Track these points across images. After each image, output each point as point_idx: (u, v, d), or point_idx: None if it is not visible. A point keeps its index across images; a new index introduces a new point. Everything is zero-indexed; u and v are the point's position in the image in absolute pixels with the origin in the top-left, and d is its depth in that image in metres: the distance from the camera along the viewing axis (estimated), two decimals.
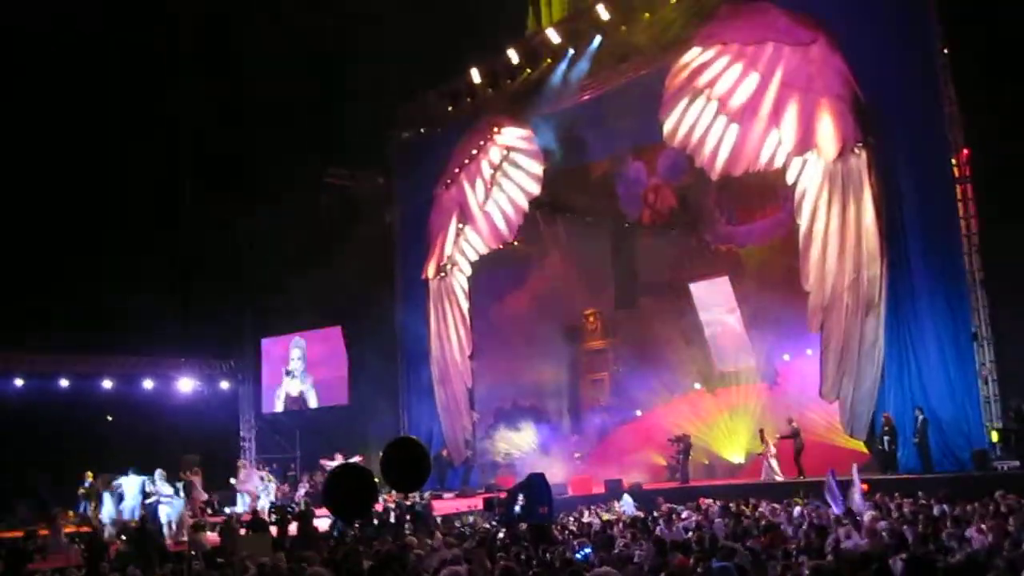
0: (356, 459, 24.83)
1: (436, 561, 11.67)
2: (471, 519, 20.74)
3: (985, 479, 17.58)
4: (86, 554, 17.68)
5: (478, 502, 23.25)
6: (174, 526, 21.77)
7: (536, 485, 18.69)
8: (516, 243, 29.01)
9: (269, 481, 26.70)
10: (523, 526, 16.58)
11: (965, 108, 20.07)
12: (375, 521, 19.87)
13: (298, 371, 33.88)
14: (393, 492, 21.15)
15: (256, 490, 26.52)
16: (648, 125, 25.09)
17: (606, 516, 18.84)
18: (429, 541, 15.40)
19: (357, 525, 18.00)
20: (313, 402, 33.46)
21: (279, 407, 34.36)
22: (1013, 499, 14.30)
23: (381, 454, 11.53)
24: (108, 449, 27.46)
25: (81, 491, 23.47)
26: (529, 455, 29.32)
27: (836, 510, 15.28)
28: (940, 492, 16.06)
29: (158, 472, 22.37)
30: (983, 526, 11.34)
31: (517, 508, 18.49)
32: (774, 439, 23.69)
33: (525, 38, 27.94)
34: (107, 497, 22.57)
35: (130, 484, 22.76)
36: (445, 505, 24.75)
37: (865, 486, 17.17)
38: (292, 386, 34.01)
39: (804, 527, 13.46)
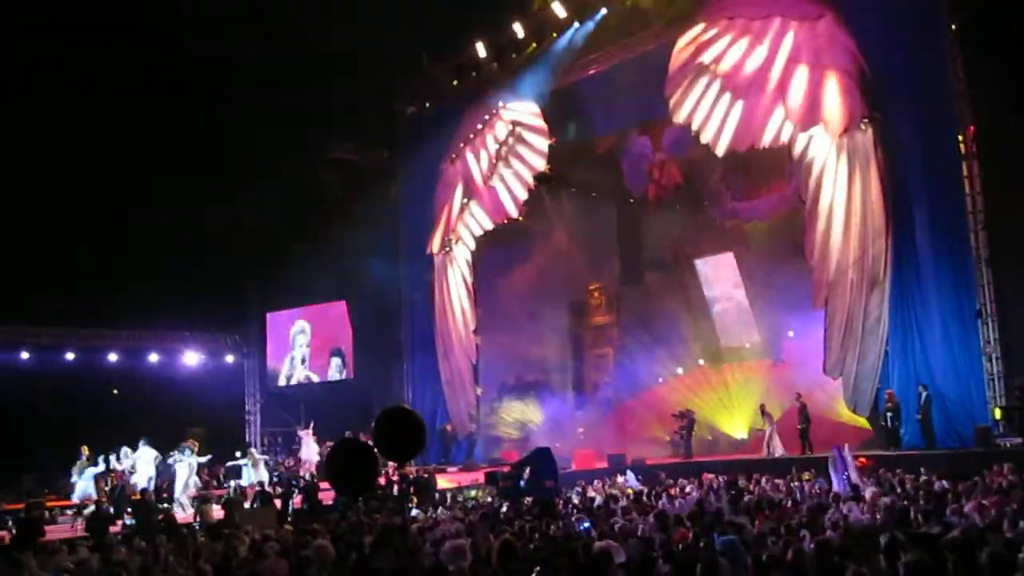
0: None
1: (439, 534, 11.73)
2: (473, 493, 20.82)
3: (988, 456, 17.60)
4: (91, 526, 17.82)
5: (481, 476, 23.35)
6: (191, 485, 22.23)
7: (542, 459, 18.78)
8: (521, 218, 28.92)
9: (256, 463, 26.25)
10: (527, 500, 16.66)
11: (972, 84, 20.02)
12: (378, 493, 19.94)
13: (305, 356, 34.10)
14: (391, 465, 21.20)
15: (313, 457, 26.52)
16: (654, 100, 24.96)
17: (611, 491, 18.89)
18: (433, 515, 15.51)
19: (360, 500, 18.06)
20: (316, 378, 33.73)
21: (283, 382, 34.59)
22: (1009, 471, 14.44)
23: (373, 423, 11.50)
24: (113, 422, 27.57)
25: (77, 464, 23.47)
26: (533, 430, 29.42)
27: (837, 486, 15.33)
28: (942, 468, 16.11)
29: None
30: (984, 502, 11.35)
31: (522, 482, 18.58)
32: (777, 415, 23.70)
33: (531, 12, 27.77)
34: (87, 471, 22.78)
35: (144, 455, 22.98)
36: (449, 479, 24.86)
37: (861, 461, 17.23)
38: (298, 373, 34.30)
39: (807, 503, 13.50)
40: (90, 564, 11.42)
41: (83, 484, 22.56)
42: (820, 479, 16.79)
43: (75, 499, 22.32)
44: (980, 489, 13.08)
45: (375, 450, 10.79)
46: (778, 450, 23.14)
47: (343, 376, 33.48)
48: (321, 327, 34.22)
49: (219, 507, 20.10)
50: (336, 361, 33.69)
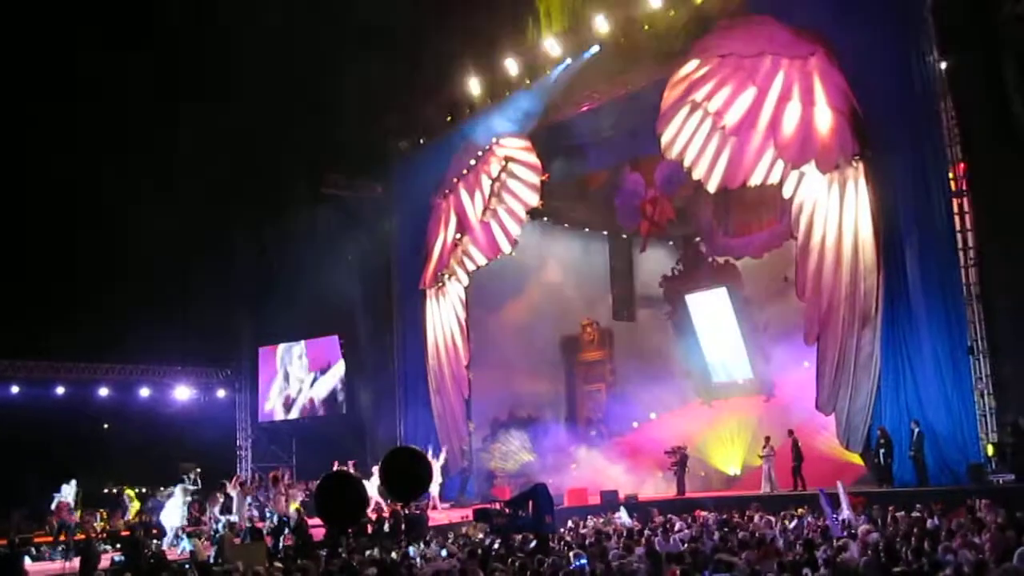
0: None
1: (430, 572, 11.66)
2: (464, 529, 20.67)
3: (981, 493, 17.54)
4: (81, 562, 17.68)
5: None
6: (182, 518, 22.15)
7: (542, 495, 18.65)
8: (514, 253, 28.97)
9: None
10: (518, 536, 16.54)
11: (962, 122, 20.08)
12: (369, 530, 19.83)
13: (304, 376, 33.90)
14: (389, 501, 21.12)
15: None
16: (646, 137, 25.09)
17: (604, 528, 18.76)
18: (425, 551, 15.40)
19: (350, 532, 17.96)
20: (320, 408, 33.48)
21: (280, 415, 34.34)
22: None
23: (380, 463, 11.53)
24: (104, 457, 27.46)
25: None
26: (525, 466, 29.30)
27: (830, 522, 15.27)
28: (935, 506, 16.07)
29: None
30: (976, 540, 11.31)
31: (523, 517, 18.38)
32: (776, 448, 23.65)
33: (524, 49, 27.94)
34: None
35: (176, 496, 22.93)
36: (440, 516, 24.73)
37: (855, 499, 17.21)
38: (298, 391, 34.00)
39: (799, 540, 13.43)
40: None
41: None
42: (811, 515, 16.71)
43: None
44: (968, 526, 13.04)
45: (363, 485, 10.77)
46: (773, 486, 23.05)
47: (341, 398, 33.19)
48: (313, 361, 34.08)
49: (207, 543, 19.95)
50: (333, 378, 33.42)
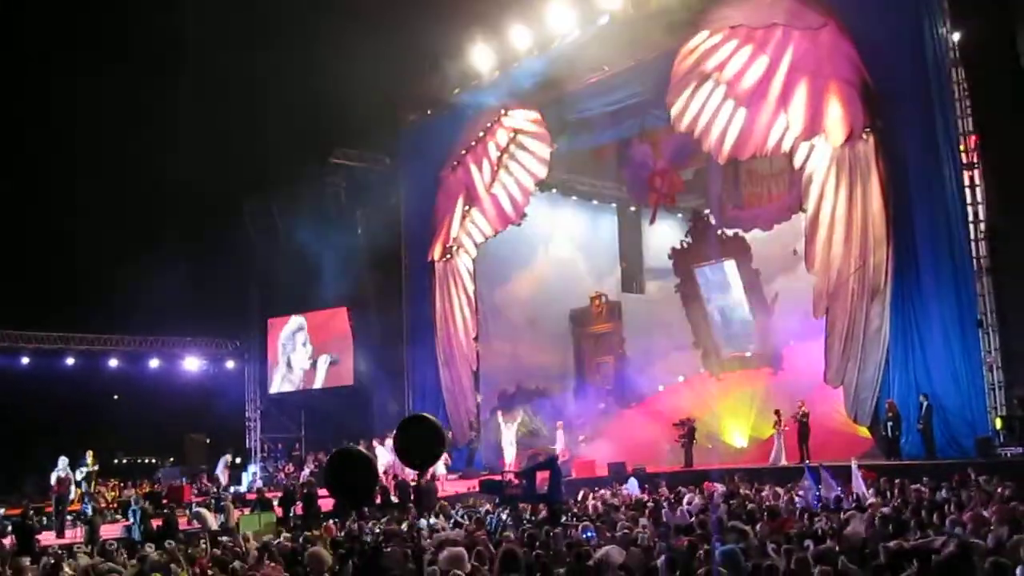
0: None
1: (437, 541, 11.70)
2: (471, 500, 20.77)
3: (989, 466, 17.56)
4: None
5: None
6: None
7: (553, 466, 18.68)
8: (522, 225, 28.92)
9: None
10: (525, 507, 16.59)
11: (974, 94, 19.97)
12: (377, 500, 19.89)
13: (304, 352, 33.91)
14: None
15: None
16: (655, 109, 25.02)
17: (611, 500, 18.80)
18: (435, 522, 15.46)
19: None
20: (320, 382, 33.45)
21: (275, 388, 34.40)
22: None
23: (395, 431, 11.55)
24: (114, 428, 27.58)
25: (83, 470, 23.35)
26: (534, 438, 29.33)
27: (833, 493, 15.33)
28: (942, 478, 16.10)
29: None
30: (984, 513, 11.33)
31: (543, 487, 18.38)
32: (786, 421, 23.65)
33: (533, 19, 27.74)
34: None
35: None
36: (448, 486, 24.84)
37: (868, 473, 17.24)
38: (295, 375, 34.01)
39: (807, 512, 13.48)
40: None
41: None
42: (818, 487, 16.74)
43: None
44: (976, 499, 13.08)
45: (374, 462, 10.80)
46: (781, 458, 23.08)
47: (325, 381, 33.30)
48: (321, 332, 34.05)
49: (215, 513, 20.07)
50: (323, 361, 33.47)
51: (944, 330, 19.94)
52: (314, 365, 33.41)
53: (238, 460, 28.81)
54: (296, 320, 33.99)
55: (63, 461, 21.72)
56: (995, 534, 9.57)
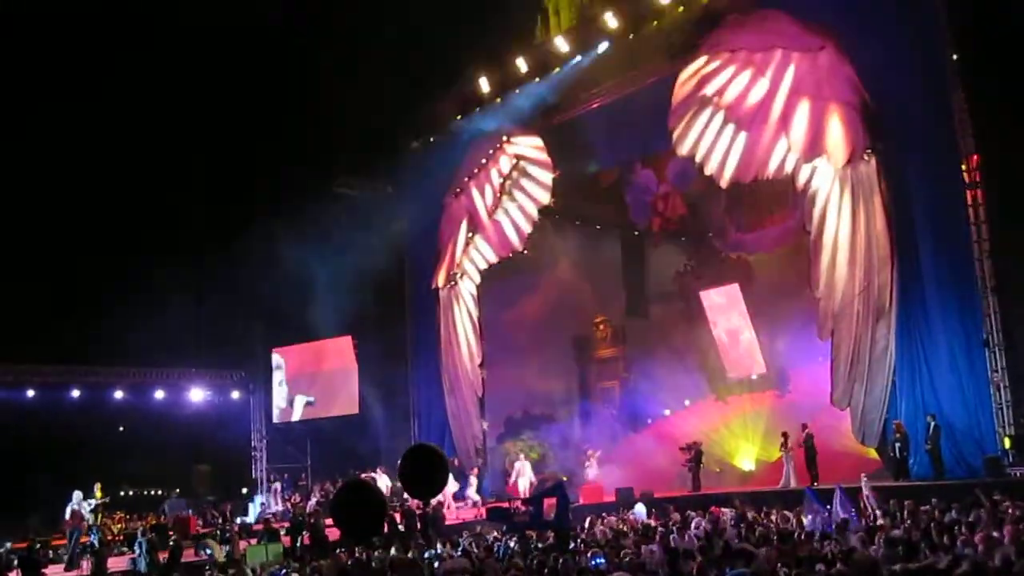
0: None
1: (443, 570, 11.66)
2: (478, 528, 20.67)
3: (998, 486, 17.46)
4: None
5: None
6: None
7: (560, 492, 18.61)
8: (526, 251, 28.94)
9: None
10: (532, 534, 16.51)
11: (975, 114, 20.00)
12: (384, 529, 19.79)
13: (281, 392, 33.66)
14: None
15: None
16: (657, 133, 25.06)
17: (619, 527, 18.71)
18: (441, 551, 15.38)
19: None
20: (297, 415, 33.13)
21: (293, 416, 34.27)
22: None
23: (399, 461, 11.53)
24: (120, 460, 27.50)
25: (92, 502, 23.22)
26: (539, 464, 29.24)
27: (841, 516, 15.25)
28: (952, 499, 15.99)
29: None
30: (995, 534, 11.24)
31: (550, 514, 18.30)
32: (793, 443, 23.55)
33: (534, 47, 27.90)
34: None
35: None
36: (455, 514, 24.74)
37: (877, 495, 17.17)
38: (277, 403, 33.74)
39: (816, 534, 13.39)
40: None
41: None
42: (826, 509, 16.63)
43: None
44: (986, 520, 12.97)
45: (382, 495, 10.75)
46: (792, 481, 22.95)
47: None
48: (327, 362, 33.87)
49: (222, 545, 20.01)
50: (299, 402, 33.34)
51: (950, 350, 19.90)
52: (291, 404, 33.21)
53: (244, 490, 28.67)
54: (275, 358, 33.77)
55: (77, 495, 21.64)
56: (1002, 553, 9.50)
